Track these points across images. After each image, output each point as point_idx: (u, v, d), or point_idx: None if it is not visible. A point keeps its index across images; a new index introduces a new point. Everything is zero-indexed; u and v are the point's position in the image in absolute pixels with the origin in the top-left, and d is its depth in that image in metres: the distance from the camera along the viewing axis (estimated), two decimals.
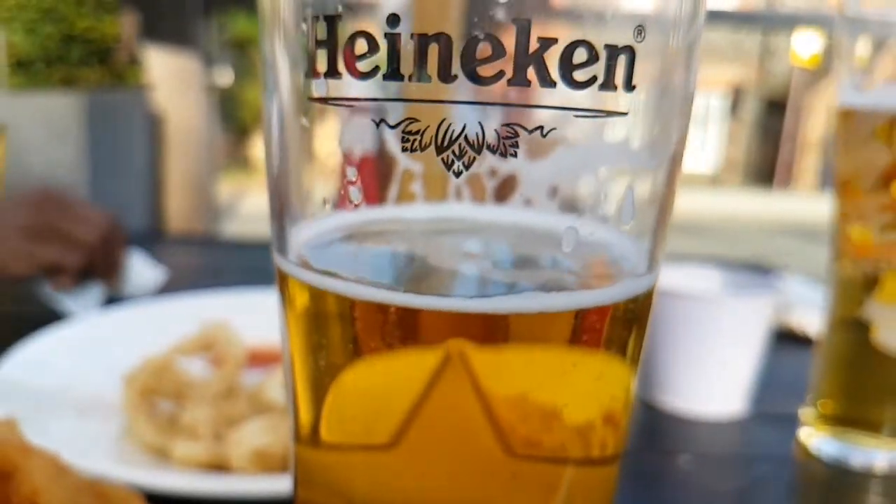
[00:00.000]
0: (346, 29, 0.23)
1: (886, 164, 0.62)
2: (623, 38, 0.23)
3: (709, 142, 14.93)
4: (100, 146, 3.81)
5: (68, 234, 0.93)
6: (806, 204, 10.35)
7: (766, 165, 14.53)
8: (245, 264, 1.29)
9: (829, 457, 0.67)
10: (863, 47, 0.63)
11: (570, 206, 0.29)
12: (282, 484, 0.53)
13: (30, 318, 0.90)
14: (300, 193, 0.29)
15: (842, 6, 0.64)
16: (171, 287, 1.06)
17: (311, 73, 0.24)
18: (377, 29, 0.22)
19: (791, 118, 13.99)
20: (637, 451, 0.70)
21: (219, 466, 0.60)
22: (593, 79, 0.23)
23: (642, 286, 0.29)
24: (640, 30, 0.23)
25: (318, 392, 0.29)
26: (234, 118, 13.03)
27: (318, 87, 0.24)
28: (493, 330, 0.26)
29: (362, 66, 0.23)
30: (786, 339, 0.96)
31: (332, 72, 0.23)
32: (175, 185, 4.63)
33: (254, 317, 0.68)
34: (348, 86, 0.23)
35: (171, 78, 4.50)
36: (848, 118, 0.65)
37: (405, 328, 0.26)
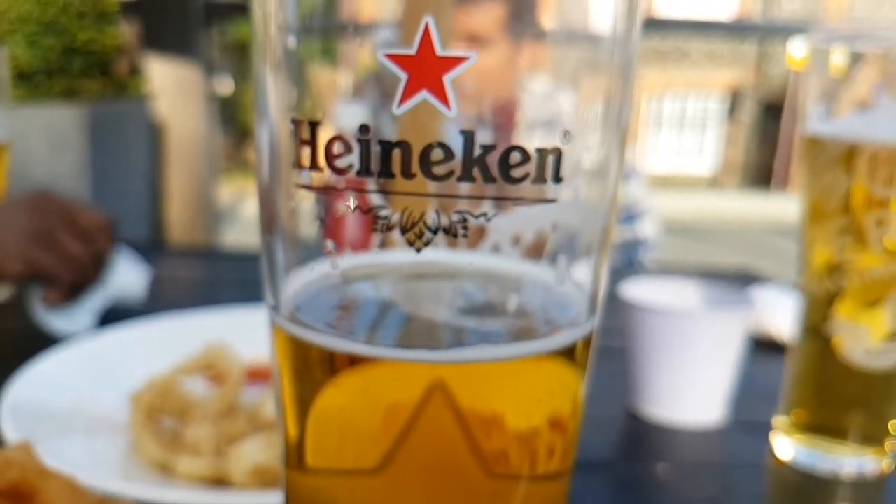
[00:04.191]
0: (326, 132, 0.27)
1: (846, 190, 0.66)
2: (551, 141, 0.27)
3: (707, 144, 14.96)
4: (102, 157, 3.82)
5: (65, 249, 0.92)
6: None
7: (764, 167, 14.54)
8: (243, 276, 1.31)
9: (801, 464, 0.70)
10: (829, 78, 0.67)
11: (528, 255, 0.33)
12: (280, 498, 0.56)
13: (31, 337, 0.92)
14: (289, 245, 0.33)
15: (813, 38, 0.68)
16: (171, 301, 1.08)
17: (297, 164, 0.29)
18: (350, 134, 0.27)
19: (788, 121, 14.01)
20: (618, 459, 0.73)
21: (220, 481, 0.63)
22: (526, 175, 0.27)
23: (584, 331, 0.33)
24: (566, 133, 0.27)
25: (305, 422, 0.33)
26: (234, 120, 13.04)
27: (303, 177, 0.29)
28: (460, 373, 0.30)
29: (339, 163, 0.28)
30: (766, 348, 0.98)
31: (314, 166, 0.28)
32: (176, 194, 4.65)
33: (251, 333, 0.67)
34: (328, 178, 0.28)
35: (172, 87, 4.53)
36: (813, 146, 0.68)
37: (382, 374, 0.30)
